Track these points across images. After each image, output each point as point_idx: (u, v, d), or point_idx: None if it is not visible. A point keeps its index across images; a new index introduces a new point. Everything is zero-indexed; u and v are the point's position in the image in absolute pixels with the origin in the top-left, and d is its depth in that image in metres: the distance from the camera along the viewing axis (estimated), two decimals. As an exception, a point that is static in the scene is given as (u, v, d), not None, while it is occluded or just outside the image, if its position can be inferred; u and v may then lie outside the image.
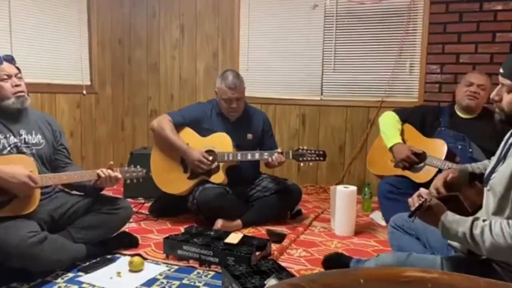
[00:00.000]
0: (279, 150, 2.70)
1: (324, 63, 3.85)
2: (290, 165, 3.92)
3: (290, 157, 2.70)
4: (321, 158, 2.71)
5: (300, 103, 3.95)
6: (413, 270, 0.93)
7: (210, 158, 2.71)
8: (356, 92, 3.79)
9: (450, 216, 1.40)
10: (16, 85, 2.06)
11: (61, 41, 3.76)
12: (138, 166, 2.39)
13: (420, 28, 3.54)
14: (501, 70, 1.45)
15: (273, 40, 4.00)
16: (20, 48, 3.35)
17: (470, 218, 1.38)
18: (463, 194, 1.59)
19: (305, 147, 2.74)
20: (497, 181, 1.40)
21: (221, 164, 2.75)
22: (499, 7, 3.26)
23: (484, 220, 1.36)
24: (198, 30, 4.23)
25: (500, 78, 1.44)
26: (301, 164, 2.75)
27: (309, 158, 2.69)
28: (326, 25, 3.81)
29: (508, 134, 1.49)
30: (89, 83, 4.08)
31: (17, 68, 2.12)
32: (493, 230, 1.32)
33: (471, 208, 1.53)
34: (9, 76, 2.05)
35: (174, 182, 2.85)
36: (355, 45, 3.75)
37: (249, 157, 2.72)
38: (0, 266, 1.87)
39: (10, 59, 2.11)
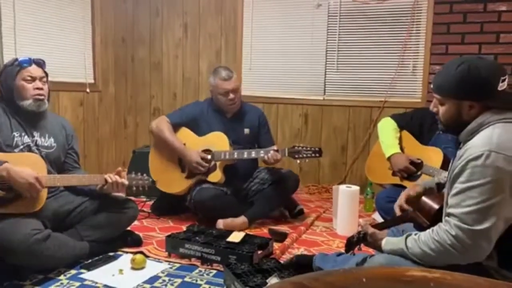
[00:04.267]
0: (275, 147, 2.71)
1: (327, 63, 3.85)
2: (292, 164, 3.92)
3: (286, 154, 2.70)
4: (317, 155, 2.69)
5: (302, 103, 3.95)
6: (415, 269, 0.93)
7: (209, 157, 2.72)
8: (359, 92, 3.78)
9: (388, 240, 1.56)
10: (38, 88, 2.09)
11: (64, 39, 3.76)
12: (144, 174, 2.43)
13: (423, 29, 3.53)
14: (431, 86, 1.54)
15: (276, 39, 3.99)
16: (24, 46, 3.36)
17: (404, 236, 1.50)
18: (420, 207, 1.64)
19: (301, 144, 2.74)
20: (447, 185, 1.50)
21: (218, 162, 2.76)
22: (504, 8, 3.25)
23: (416, 234, 1.48)
24: (201, 29, 4.23)
25: (433, 93, 1.52)
26: (298, 161, 2.74)
27: (304, 155, 2.68)
28: (329, 25, 3.81)
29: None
30: (92, 81, 4.09)
31: (45, 72, 2.17)
32: (421, 239, 1.43)
33: (428, 219, 1.58)
34: (33, 79, 2.09)
35: (172, 182, 2.86)
36: (358, 45, 3.74)
37: (246, 155, 2.73)
38: (2, 263, 1.88)
39: (40, 63, 2.15)
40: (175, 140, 2.81)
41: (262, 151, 2.73)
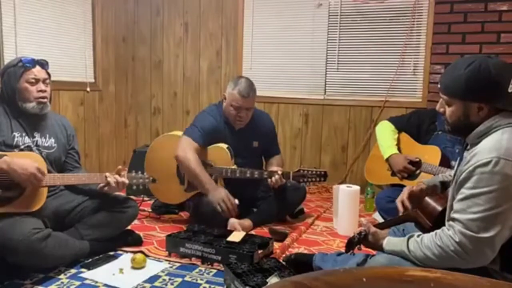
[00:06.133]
0: (279, 172, 2.64)
1: (327, 62, 3.84)
2: (292, 164, 3.92)
3: (291, 178, 2.65)
4: (322, 179, 2.66)
5: (303, 102, 3.94)
6: (416, 269, 0.93)
7: (236, 201, 2.56)
8: (359, 91, 3.78)
9: (390, 240, 1.54)
10: (41, 90, 2.08)
11: (65, 38, 3.76)
12: (145, 173, 2.42)
13: (424, 28, 3.53)
14: (438, 86, 1.51)
15: (276, 39, 3.99)
16: (24, 45, 3.36)
17: (406, 237, 1.48)
18: (422, 207, 1.62)
19: (305, 168, 2.71)
20: (452, 188, 1.49)
21: (218, 178, 2.73)
22: (504, 8, 3.24)
23: (418, 235, 1.46)
24: (201, 28, 4.23)
25: (440, 93, 1.50)
26: (301, 185, 2.73)
27: (309, 179, 2.65)
28: (330, 24, 3.80)
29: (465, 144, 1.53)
30: (92, 80, 4.09)
31: (48, 73, 2.15)
32: (424, 243, 1.42)
33: (430, 220, 1.58)
34: (37, 81, 2.08)
35: (171, 194, 2.84)
36: (359, 44, 3.74)
37: (248, 175, 2.67)
38: (3, 262, 1.88)
39: (44, 64, 2.13)
40: (204, 174, 2.59)
41: (266, 173, 2.68)
